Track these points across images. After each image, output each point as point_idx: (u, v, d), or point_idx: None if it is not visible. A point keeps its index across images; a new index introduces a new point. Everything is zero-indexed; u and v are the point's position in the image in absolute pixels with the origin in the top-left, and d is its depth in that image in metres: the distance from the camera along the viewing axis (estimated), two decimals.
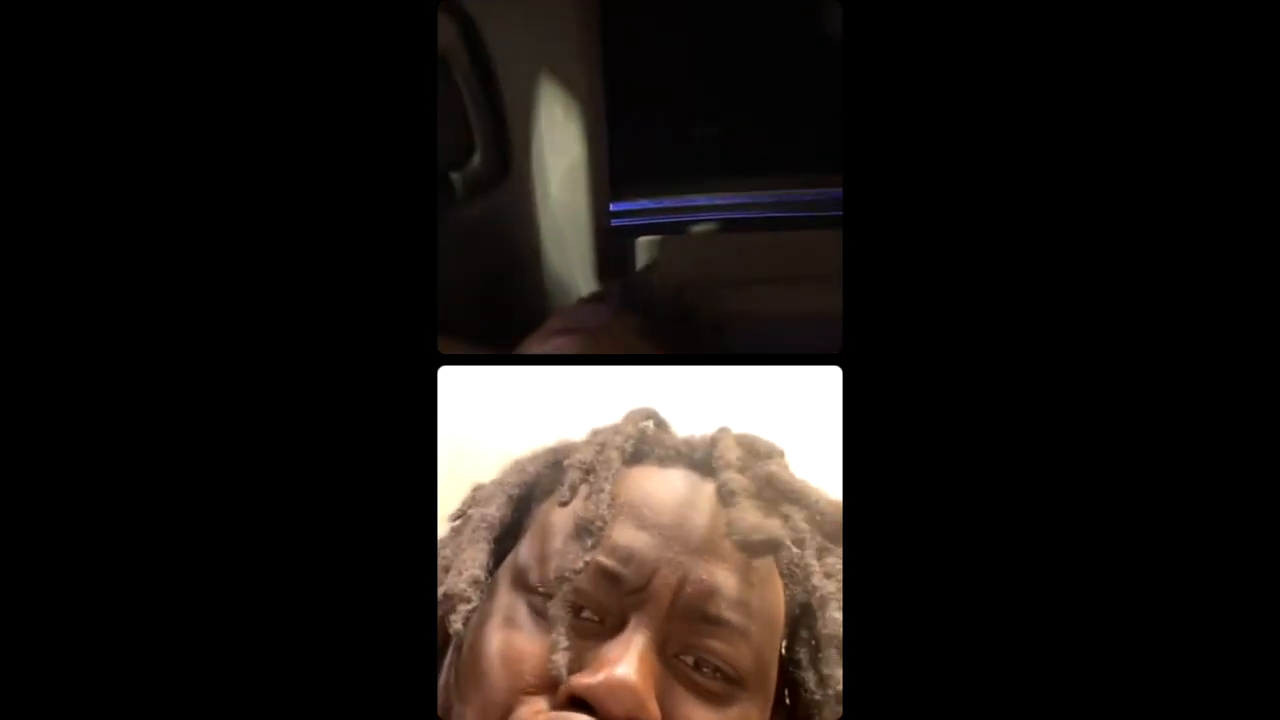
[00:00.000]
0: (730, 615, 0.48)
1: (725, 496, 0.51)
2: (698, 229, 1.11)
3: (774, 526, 0.50)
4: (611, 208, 1.01)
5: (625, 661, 0.46)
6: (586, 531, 0.49)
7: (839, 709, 0.50)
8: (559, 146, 0.93)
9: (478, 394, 0.58)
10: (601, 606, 0.48)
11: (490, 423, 0.60)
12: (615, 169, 0.96)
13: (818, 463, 0.56)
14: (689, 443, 0.55)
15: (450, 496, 0.58)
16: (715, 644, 0.48)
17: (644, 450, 0.54)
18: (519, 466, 0.56)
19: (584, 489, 0.51)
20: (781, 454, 0.55)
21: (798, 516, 0.53)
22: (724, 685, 0.48)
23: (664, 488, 0.51)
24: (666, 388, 0.59)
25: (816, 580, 0.52)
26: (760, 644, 0.49)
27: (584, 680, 0.46)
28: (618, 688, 0.45)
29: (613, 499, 0.50)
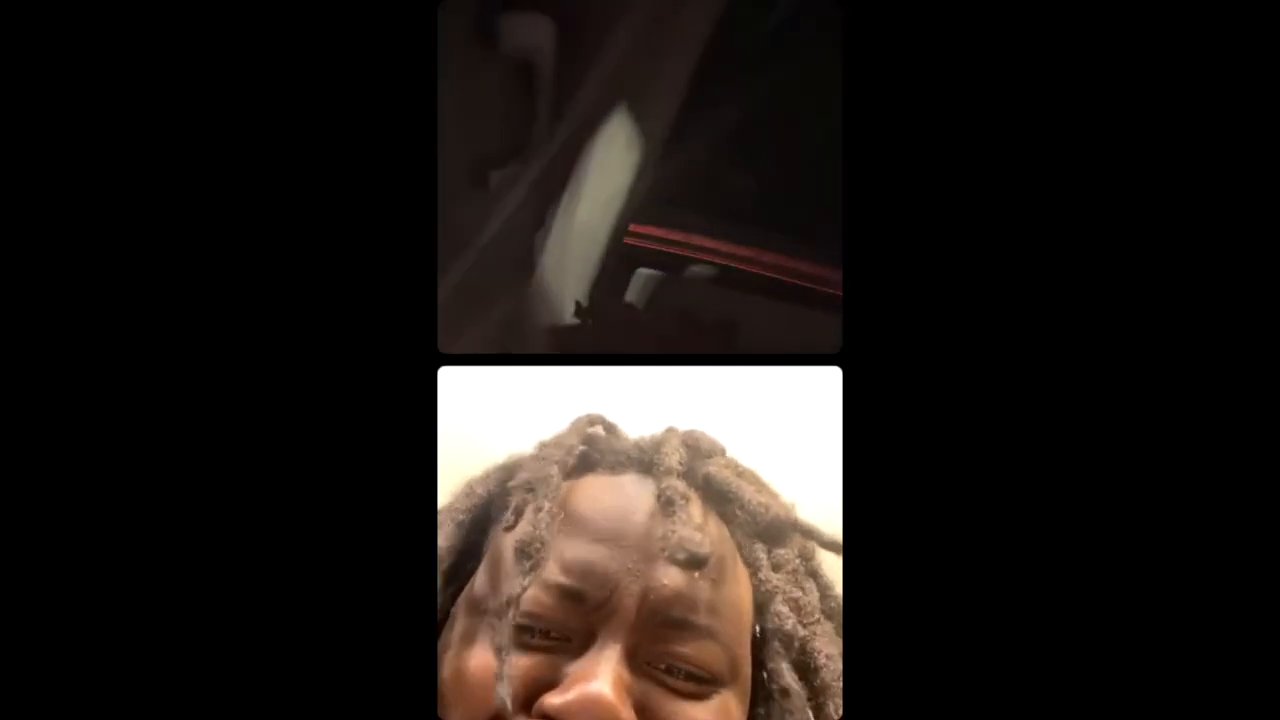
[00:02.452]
0: (695, 618, 0.48)
1: (664, 506, 0.50)
2: (695, 270, 1.10)
3: (697, 542, 0.49)
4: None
5: (598, 677, 0.45)
6: (524, 554, 0.48)
7: (789, 703, 0.50)
8: (608, 172, 0.93)
9: (478, 394, 0.58)
10: (567, 626, 0.48)
11: (490, 423, 0.60)
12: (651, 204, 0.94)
13: (817, 463, 0.56)
14: (639, 445, 0.54)
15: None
16: (684, 649, 0.48)
17: (594, 458, 0.54)
18: (469, 489, 0.55)
19: (528, 510, 0.50)
20: (723, 451, 0.55)
21: (741, 514, 0.53)
22: (698, 685, 0.48)
23: (615, 496, 0.51)
24: (666, 388, 0.59)
25: (764, 574, 0.52)
26: (730, 639, 0.49)
27: (556, 700, 0.45)
28: (591, 704, 0.45)
29: (552, 517, 0.49)
